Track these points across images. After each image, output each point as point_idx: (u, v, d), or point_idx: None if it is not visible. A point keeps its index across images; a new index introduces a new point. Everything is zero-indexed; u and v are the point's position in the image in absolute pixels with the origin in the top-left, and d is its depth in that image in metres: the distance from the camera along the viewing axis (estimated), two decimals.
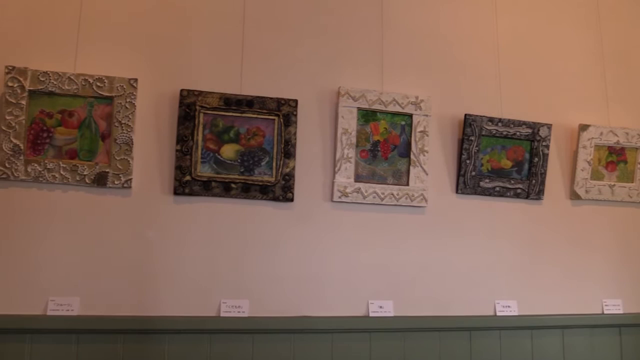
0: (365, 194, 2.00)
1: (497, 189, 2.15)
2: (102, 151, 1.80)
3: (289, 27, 2.04)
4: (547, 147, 2.19)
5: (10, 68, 1.73)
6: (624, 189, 2.30)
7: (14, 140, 1.72)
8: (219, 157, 1.89)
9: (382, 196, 2.01)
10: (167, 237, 1.84)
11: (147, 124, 1.86)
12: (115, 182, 1.79)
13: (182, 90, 1.86)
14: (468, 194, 2.13)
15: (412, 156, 2.05)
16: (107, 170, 1.79)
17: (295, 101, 1.95)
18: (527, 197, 2.19)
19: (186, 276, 1.83)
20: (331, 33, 2.08)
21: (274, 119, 1.93)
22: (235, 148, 1.91)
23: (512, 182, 2.17)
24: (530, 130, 2.17)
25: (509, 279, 2.13)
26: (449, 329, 2.01)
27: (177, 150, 1.85)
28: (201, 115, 1.87)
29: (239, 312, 1.84)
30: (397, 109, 2.05)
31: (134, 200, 1.83)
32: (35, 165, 1.74)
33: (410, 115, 2.07)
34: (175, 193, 1.84)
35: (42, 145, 1.76)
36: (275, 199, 1.91)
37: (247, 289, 1.88)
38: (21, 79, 1.73)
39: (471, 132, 2.11)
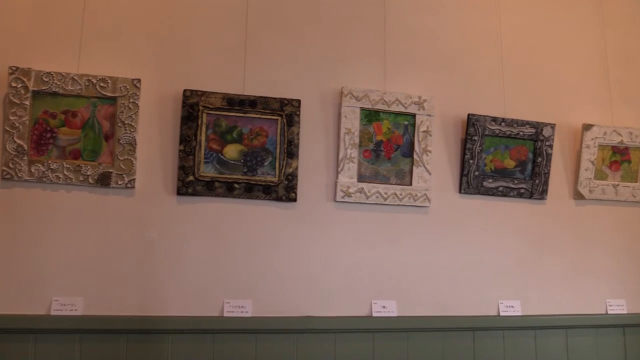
0: (368, 194, 1.99)
1: (501, 188, 2.15)
2: (106, 151, 1.81)
3: (292, 27, 2.05)
4: (551, 146, 2.19)
5: (14, 68, 1.73)
6: (627, 189, 2.29)
7: (18, 141, 1.73)
8: (222, 157, 1.89)
9: (385, 196, 2.01)
10: (171, 237, 1.84)
11: (150, 124, 1.86)
12: (119, 182, 1.79)
13: (185, 91, 1.86)
14: (471, 193, 2.13)
15: (415, 156, 2.05)
16: (110, 171, 1.79)
17: (298, 101, 1.95)
18: (530, 197, 2.18)
19: (189, 276, 1.83)
20: (334, 33, 2.08)
21: (277, 119, 1.93)
22: (238, 148, 1.91)
23: (516, 182, 2.16)
24: (533, 130, 2.17)
25: (512, 279, 2.13)
26: (452, 329, 2.01)
27: (180, 151, 1.85)
28: (204, 115, 1.87)
29: (242, 312, 1.84)
30: (400, 108, 2.05)
31: (137, 200, 1.83)
32: (39, 165, 1.74)
33: (413, 115, 2.06)
34: (179, 193, 1.84)
35: (45, 145, 1.77)
36: (278, 199, 1.91)
37: (251, 289, 1.88)
38: (25, 79, 1.74)
39: (474, 132, 2.11)
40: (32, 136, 1.76)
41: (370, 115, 2.04)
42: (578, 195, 2.25)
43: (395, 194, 2.02)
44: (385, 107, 2.03)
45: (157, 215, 1.84)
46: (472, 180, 2.12)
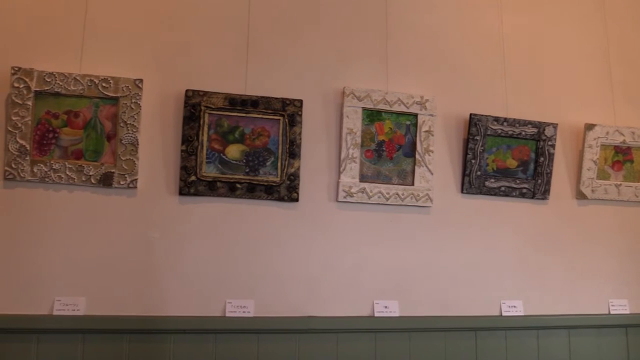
0: (370, 194, 1.99)
1: (503, 188, 2.14)
2: (108, 151, 1.81)
3: (294, 27, 2.04)
4: (553, 146, 2.18)
5: (17, 69, 1.73)
6: (630, 189, 2.29)
7: (20, 141, 1.73)
8: (224, 157, 1.89)
9: (387, 196, 2.01)
10: (173, 237, 1.84)
11: (152, 124, 1.87)
12: (121, 183, 1.79)
13: (187, 91, 1.86)
14: (473, 193, 2.13)
15: (417, 156, 2.05)
16: (112, 171, 1.79)
17: (300, 101, 1.94)
18: (532, 197, 2.18)
19: (192, 276, 1.84)
20: (336, 33, 2.08)
21: (279, 119, 1.93)
22: (241, 148, 1.91)
23: (518, 181, 2.16)
24: (535, 130, 2.17)
25: (514, 279, 2.13)
26: (454, 329, 2.01)
27: (182, 151, 1.85)
28: (206, 115, 1.87)
29: (244, 312, 1.84)
30: (402, 108, 2.05)
31: (139, 200, 1.83)
32: (41, 165, 1.75)
33: (415, 115, 2.06)
34: (181, 193, 1.84)
35: (48, 145, 1.77)
36: (280, 199, 1.91)
37: (253, 289, 1.88)
38: (27, 79, 1.74)
39: (476, 132, 2.10)
40: (35, 136, 1.76)
41: (372, 115, 2.03)
42: (580, 195, 2.25)
43: (397, 194, 2.02)
44: (387, 107, 2.03)
45: (159, 215, 1.84)
46: (474, 180, 2.11)
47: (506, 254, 2.14)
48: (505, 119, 2.14)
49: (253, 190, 1.89)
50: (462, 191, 2.12)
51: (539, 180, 2.18)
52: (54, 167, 1.75)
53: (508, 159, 2.17)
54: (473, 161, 2.11)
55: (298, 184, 1.92)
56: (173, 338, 1.78)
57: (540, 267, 2.16)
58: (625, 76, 2.39)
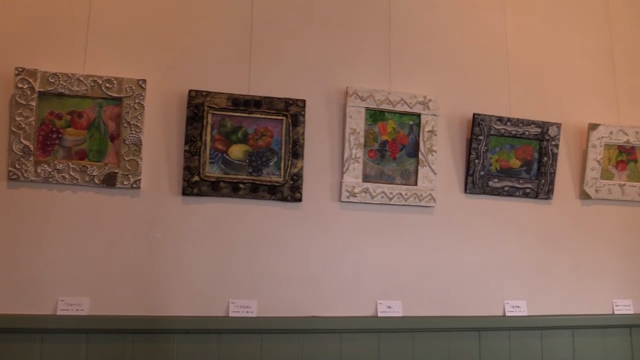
0: (374, 194, 1.99)
1: (506, 188, 2.14)
2: (111, 152, 1.81)
3: (297, 28, 2.05)
4: (557, 146, 2.18)
5: (20, 69, 1.74)
6: (634, 189, 2.28)
7: (24, 142, 1.74)
8: (227, 157, 1.89)
9: (391, 196, 2.01)
10: (176, 237, 1.84)
11: (155, 124, 1.87)
12: (124, 183, 1.80)
13: (190, 91, 1.86)
14: (477, 193, 2.12)
15: (420, 156, 2.05)
16: (116, 171, 1.80)
17: (303, 101, 1.94)
18: (536, 197, 2.17)
19: (195, 276, 1.84)
20: (339, 33, 2.08)
21: (282, 119, 1.93)
22: (244, 148, 1.91)
23: (521, 181, 2.16)
24: (539, 130, 2.16)
25: (518, 279, 2.12)
26: (458, 329, 2.01)
27: (185, 151, 1.85)
28: (209, 115, 1.87)
29: (247, 312, 1.84)
30: (405, 108, 2.04)
31: (142, 200, 1.83)
32: (45, 166, 1.75)
33: (419, 115, 2.06)
34: (184, 193, 1.84)
35: (51, 146, 1.77)
36: (284, 199, 1.91)
37: (256, 289, 1.88)
38: (31, 80, 1.74)
39: (480, 132, 2.10)
40: (38, 137, 1.76)
41: (375, 115, 2.03)
42: (584, 195, 2.24)
43: (400, 194, 2.01)
44: (390, 107, 2.03)
45: (162, 216, 1.84)
46: (477, 180, 2.11)
47: (509, 254, 2.13)
48: (509, 119, 2.13)
49: (256, 191, 1.89)
50: (465, 191, 2.12)
51: (543, 180, 2.17)
52: (57, 168, 1.76)
53: (511, 159, 2.16)
54: (476, 161, 2.11)
55: (301, 184, 1.92)
56: (176, 338, 1.78)
57: (543, 267, 2.16)
58: (629, 76, 2.38)
